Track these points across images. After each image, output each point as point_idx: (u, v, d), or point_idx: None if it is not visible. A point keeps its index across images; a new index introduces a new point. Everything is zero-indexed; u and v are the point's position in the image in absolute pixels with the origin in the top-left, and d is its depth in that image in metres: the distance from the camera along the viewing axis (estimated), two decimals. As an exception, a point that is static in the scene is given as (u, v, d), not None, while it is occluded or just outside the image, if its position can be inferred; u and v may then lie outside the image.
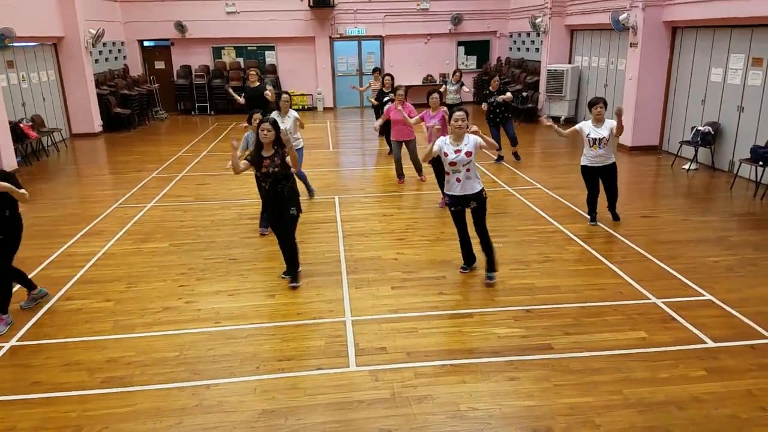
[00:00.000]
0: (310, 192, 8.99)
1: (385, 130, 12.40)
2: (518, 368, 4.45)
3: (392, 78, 11.72)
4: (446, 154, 5.68)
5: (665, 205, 8.59)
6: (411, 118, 8.64)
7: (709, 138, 10.15)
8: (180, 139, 14.77)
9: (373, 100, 12.49)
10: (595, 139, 7.05)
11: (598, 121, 7.08)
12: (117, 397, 4.22)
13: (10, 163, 11.05)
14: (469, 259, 6.23)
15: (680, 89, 11.42)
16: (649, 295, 5.60)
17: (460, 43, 19.98)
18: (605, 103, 7.11)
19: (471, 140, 5.69)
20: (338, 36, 19.27)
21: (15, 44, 11.68)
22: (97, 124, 15.19)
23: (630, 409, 3.95)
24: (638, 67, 11.58)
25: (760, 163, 8.70)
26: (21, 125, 12.01)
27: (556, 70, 15.33)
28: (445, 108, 8.08)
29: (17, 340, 5.04)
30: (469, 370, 4.45)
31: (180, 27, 18.39)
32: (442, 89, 12.91)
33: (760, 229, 7.39)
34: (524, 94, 16.17)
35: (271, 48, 19.48)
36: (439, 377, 4.36)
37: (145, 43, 19.17)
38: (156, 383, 4.37)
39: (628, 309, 5.35)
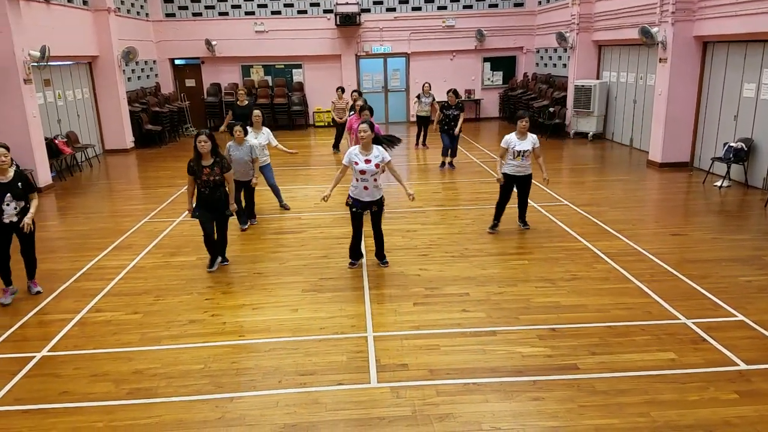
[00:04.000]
0: (283, 206, 9.49)
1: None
2: (542, 388, 4.38)
3: (360, 94, 12.47)
4: (356, 163, 6.28)
5: (696, 222, 8.42)
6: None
7: (742, 154, 9.95)
8: (209, 154, 14.98)
9: (338, 118, 13.77)
10: (519, 151, 7.54)
11: (522, 134, 7.55)
12: (142, 409, 4.27)
13: (45, 178, 11.38)
14: (358, 254, 6.93)
15: (711, 105, 11.24)
16: (679, 315, 5.47)
17: (485, 59, 20.00)
18: (530, 118, 7.68)
19: (381, 154, 6.33)
20: (364, 54, 19.46)
21: (51, 63, 12.06)
22: (129, 141, 15.56)
23: (658, 432, 3.85)
24: (668, 83, 11.44)
25: (795, 180, 8.49)
26: (56, 141, 12.37)
27: (583, 86, 15.22)
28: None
29: (48, 351, 5.14)
30: (492, 389, 4.40)
31: (209, 45, 18.79)
32: (419, 105, 13.81)
33: (796, 248, 7.18)
34: (551, 109, 16.08)
35: (299, 66, 19.77)
36: (462, 395, 4.32)
37: (176, 62, 19.62)
38: (180, 395, 4.42)
39: (657, 329, 5.23)
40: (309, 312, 5.78)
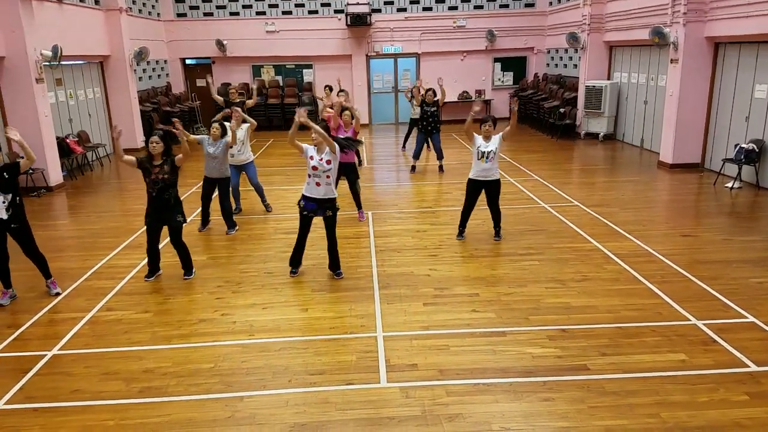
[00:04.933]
0: (266, 207, 9.52)
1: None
2: (553, 389, 4.38)
3: (347, 94, 12.04)
4: (311, 158, 6.27)
5: (707, 224, 8.36)
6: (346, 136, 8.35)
7: (754, 155, 9.87)
8: (219, 154, 15.04)
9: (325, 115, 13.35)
10: (484, 152, 7.37)
11: (487, 137, 7.40)
12: (152, 407, 4.30)
13: (57, 177, 11.47)
14: (298, 262, 6.73)
15: (723, 106, 11.15)
16: (690, 317, 5.44)
17: (496, 60, 19.96)
18: (494, 121, 7.46)
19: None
20: (375, 54, 19.47)
21: (63, 62, 12.15)
22: (140, 140, 15.63)
23: (668, 434, 3.84)
24: (679, 84, 11.37)
25: (808, 181, 8.42)
26: (68, 141, 12.46)
27: (594, 87, 15.15)
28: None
29: (58, 349, 5.19)
30: (502, 389, 4.40)
31: (221, 45, 18.87)
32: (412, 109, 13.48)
33: (808, 250, 7.12)
34: (562, 110, 16.02)
35: (309, 66, 19.80)
36: (472, 396, 4.32)
37: (188, 61, 19.72)
38: (190, 394, 4.45)
39: (667, 330, 5.21)
40: (319, 312, 5.80)
